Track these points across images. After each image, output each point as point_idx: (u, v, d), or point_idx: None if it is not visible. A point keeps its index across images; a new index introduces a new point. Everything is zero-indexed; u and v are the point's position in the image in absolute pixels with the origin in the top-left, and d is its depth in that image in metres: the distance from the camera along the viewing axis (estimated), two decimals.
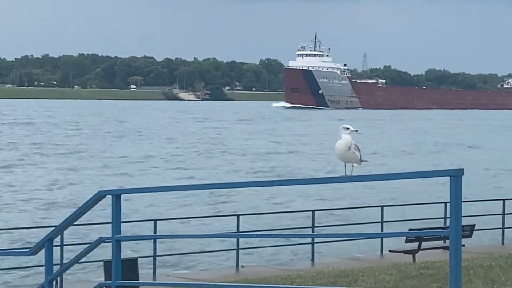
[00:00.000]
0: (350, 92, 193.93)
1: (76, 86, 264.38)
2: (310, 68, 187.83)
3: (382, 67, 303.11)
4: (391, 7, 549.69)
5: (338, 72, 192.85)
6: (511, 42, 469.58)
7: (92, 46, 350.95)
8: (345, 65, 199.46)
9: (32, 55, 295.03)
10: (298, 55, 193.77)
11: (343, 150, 12.35)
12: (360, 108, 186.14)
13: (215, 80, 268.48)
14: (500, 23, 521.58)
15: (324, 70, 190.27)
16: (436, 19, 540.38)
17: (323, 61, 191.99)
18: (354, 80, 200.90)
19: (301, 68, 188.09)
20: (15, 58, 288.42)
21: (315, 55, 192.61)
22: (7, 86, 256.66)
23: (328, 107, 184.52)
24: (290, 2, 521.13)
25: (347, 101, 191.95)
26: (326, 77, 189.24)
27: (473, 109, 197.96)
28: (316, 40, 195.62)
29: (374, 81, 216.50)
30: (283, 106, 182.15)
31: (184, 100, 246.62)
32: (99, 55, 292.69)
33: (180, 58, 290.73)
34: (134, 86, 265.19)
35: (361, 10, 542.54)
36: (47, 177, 43.63)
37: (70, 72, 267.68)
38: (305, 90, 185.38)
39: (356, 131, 12.71)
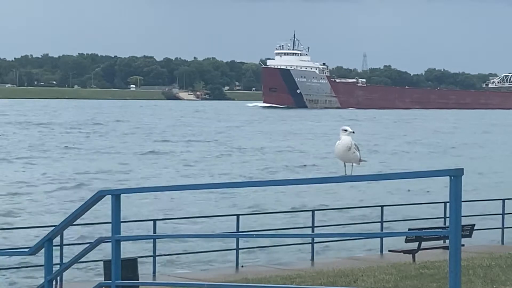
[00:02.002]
0: (329, 91, 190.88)
1: (75, 86, 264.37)
2: (288, 67, 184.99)
3: (382, 67, 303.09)
4: (391, 7, 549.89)
5: (317, 71, 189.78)
6: (511, 41, 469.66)
7: (91, 45, 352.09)
8: (324, 64, 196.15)
9: (31, 55, 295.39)
10: (277, 54, 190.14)
11: (343, 151, 12.40)
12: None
13: (215, 79, 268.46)
14: (500, 22, 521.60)
15: (302, 69, 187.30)
16: (436, 19, 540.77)
17: (302, 60, 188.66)
18: (333, 79, 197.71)
19: (279, 67, 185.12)
20: (14, 58, 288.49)
21: (293, 54, 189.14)
22: (6, 86, 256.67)
23: (307, 107, 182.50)
24: (291, 1, 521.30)
25: (325, 100, 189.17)
26: (304, 76, 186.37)
27: (457, 109, 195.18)
28: (295, 39, 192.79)
29: (354, 80, 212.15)
30: (261, 106, 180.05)
31: (184, 99, 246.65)
32: (99, 54, 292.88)
33: (180, 58, 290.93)
34: (134, 86, 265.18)
35: (361, 9, 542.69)
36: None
37: (70, 72, 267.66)
38: (283, 89, 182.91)
39: (353, 132, 12.77)
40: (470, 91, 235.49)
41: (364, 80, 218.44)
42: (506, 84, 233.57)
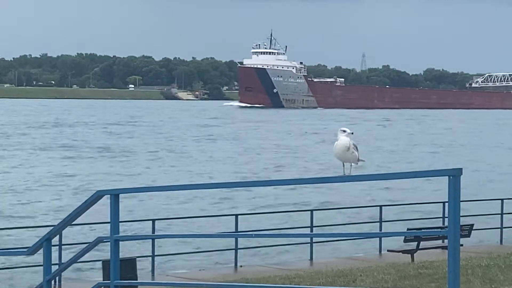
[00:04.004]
0: (306, 91, 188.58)
1: (74, 85, 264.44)
2: (265, 67, 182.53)
3: (380, 67, 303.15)
4: (390, 7, 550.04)
5: (294, 70, 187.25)
6: (510, 41, 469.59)
7: (90, 45, 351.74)
8: (301, 63, 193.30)
9: (30, 55, 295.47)
10: (253, 53, 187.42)
11: (342, 151, 12.47)
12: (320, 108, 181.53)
13: (214, 79, 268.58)
14: (500, 22, 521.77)
15: (279, 68, 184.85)
16: (435, 19, 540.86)
17: (278, 59, 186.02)
18: (310, 79, 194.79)
19: (255, 66, 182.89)
20: (13, 58, 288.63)
21: (270, 53, 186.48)
22: (5, 85, 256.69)
23: (283, 106, 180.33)
24: (290, 2, 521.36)
25: (303, 100, 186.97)
26: (281, 76, 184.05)
27: (438, 108, 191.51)
28: (272, 38, 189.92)
29: (332, 79, 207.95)
30: (238, 106, 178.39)
31: (182, 99, 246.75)
32: (98, 54, 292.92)
33: (179, 58, 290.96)
34: (133, 86, 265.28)
35: (360, 9, 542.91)
36: None
37: (69, 71, 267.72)
38: (259, 89, 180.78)
39: (352, 133, 12.85)
40: (452, 91, 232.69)
41: (343, 79, 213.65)
42: (490, 84, 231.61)
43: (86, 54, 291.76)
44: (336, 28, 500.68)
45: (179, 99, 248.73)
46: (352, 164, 11.78)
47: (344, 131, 11.49)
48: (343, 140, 11.35)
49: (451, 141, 78.22)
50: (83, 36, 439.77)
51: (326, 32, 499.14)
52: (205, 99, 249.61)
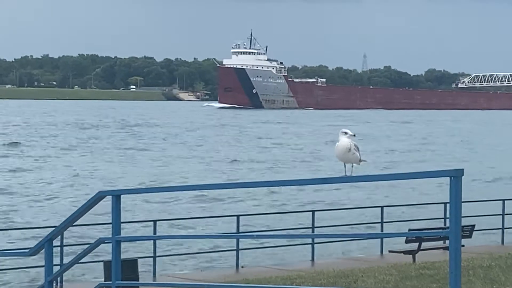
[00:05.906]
0: (286, 91, 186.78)
1: (76, 86, 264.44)
2: (244, 67, 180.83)
3: (382, 68, 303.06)
4: (391, 7, 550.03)
5: (274, 70, 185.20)
6: (511, 41, 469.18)
7: (91, 46, 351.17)
8: (281, 63, 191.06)
9: (32, 56, 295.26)
10: (233, 53, 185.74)
11: (343, 152, 12.44)
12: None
13: (215, 80, 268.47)
14: (500, 22, 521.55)
15: (258, 68, 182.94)
16: (436, 19, 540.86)
17: (258, 59, 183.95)
18: (290, 79, 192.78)
19: (234, 66, 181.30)
20: (15, 59, 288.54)
21: (249, 53, 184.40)
22: (7, 86, 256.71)
23: (263, 107, 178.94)
24: (292, 2, 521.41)
25: (283, 100, 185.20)
26: (260, 76, 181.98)
27: (422, 109, 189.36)
28: (252, 38, 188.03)
29: (313, 80, 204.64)
30: (217, 107, 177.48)
31: (184, 100, 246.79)
32: (99, 55, 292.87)
33: (180, 59, 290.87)
34: (134, 87, 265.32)
35: (361, 10, 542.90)
36: None
37: (70, 72, 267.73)
38: (239, 89, 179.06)
39: (354, 135, 12.83)
40: (436, 91, 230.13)
41: (324, 80, 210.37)
42: (477, 84, 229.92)
43: (87, 55, 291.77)
44: (337, 28, 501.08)
45: (181, 100, 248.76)
46: (354, 164, 11.82)
47: (346, 133, 11.52)
48: (344, 141, 11.38)
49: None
50: (85, 37, 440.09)
51: (328, 33, 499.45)
52: (206, 99, 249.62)
